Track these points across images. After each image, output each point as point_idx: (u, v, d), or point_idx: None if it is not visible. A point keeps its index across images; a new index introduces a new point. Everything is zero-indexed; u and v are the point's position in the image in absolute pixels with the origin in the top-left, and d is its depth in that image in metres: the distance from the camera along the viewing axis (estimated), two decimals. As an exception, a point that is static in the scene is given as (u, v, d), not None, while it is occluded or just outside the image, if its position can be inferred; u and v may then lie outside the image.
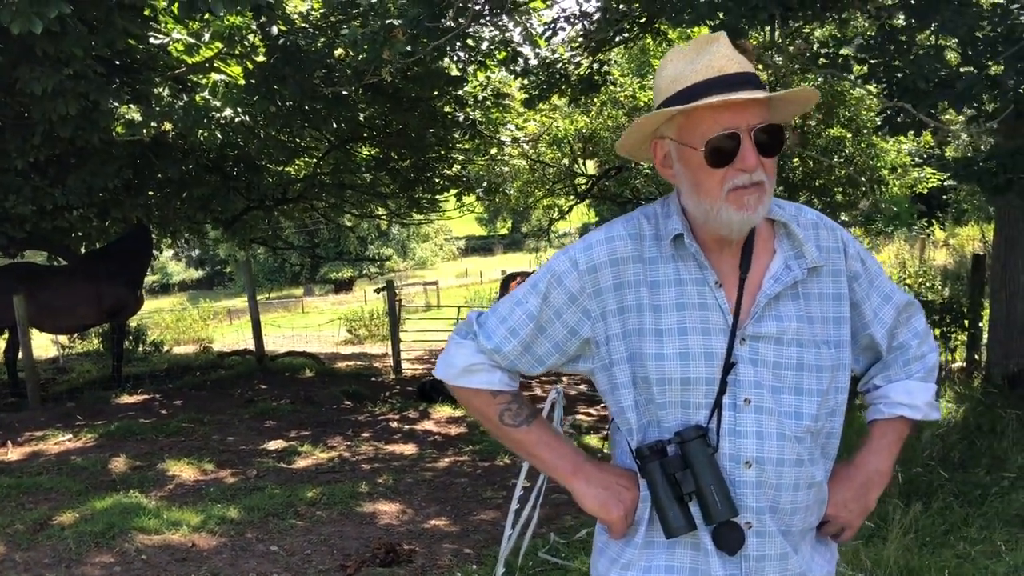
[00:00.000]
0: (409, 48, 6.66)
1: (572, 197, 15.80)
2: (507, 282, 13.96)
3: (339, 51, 7.88)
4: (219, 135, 9.20)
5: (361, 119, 10.69)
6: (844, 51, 5.81)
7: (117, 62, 8.74)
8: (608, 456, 1.88)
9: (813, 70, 6.09)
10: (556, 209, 17.40)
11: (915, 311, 1.84)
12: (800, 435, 1.65)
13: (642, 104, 12.85)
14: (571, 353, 1.74)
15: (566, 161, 14.81)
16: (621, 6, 7.09)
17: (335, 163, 12.35)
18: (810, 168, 13.06)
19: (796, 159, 12.85)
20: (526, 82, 9.56)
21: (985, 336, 8.25)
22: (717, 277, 1.66)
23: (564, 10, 8.88)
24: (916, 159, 14.52)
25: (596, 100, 12.86)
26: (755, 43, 5.96)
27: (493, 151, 12.52)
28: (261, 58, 8.46)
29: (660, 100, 1.65)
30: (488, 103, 10.94)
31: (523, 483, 3.67)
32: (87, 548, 4.94)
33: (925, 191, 15.93)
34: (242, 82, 8.59)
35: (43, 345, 16.16)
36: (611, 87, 12.25)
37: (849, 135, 12.90)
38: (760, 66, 5.84)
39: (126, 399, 9.86)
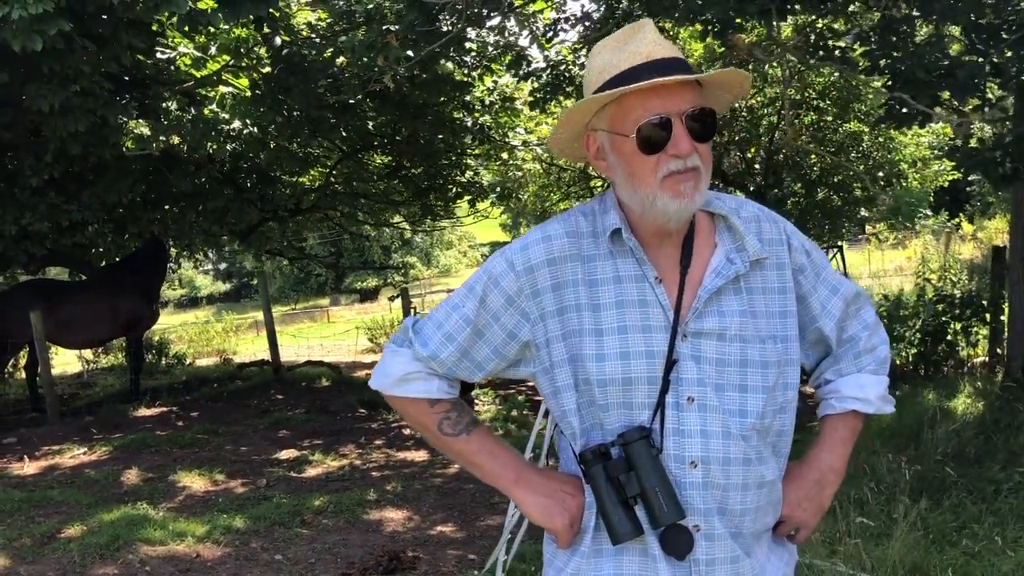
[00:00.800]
0: (410, 53, 6.66)
1: (589, 200, 15.74)
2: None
3: (341, 59, 7.91)
4: (228, 147, 9.26)
5: (370, 127, 10.73)
6: (841, 43, 5.71)
7: (126, 78, 8.84)
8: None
9: (812, 62, 6.01)
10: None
11: (864, 303, 1.78)
12: (746, 433, 1.60)
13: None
14: (511, 357, 1.69)
15: (580, 164, 14.76)
16: (623, 4, 7.05)
17: (348, 172, 12.40)
18: (827, 164, 12.92)
19: (813, 156, 12.73)
20: (536, 85, 9.53)
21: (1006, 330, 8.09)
22: (657, 273, 1.61)
23: (564, 11, 8.77)
24: (936, 152, 14.33)
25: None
26: (751, 40, 5.91)
27: (504, 156, 12.50)
28: (267, 69, 8.51)
29: (590, 92, 1.61)
30: (496, 107, 10.93)
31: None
32: (92, 560, 4.96)
33: (945, 184, 15.69)
34: (249, 94, 8.64)
35: (69, 361, 16.38)
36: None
37: (866, 130, 12.74)
38: (754, 60, 5.78)
39: (144, 412, 9.94)
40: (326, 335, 20.93)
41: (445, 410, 1.72)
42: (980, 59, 5.14)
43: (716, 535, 1.59)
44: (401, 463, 7.35)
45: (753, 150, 13.39)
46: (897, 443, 6.00)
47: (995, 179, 5.17)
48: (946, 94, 5.34)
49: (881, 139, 12.97)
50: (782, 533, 1.74)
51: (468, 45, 8.77)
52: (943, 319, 8.65)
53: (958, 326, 8.71)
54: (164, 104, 8.60)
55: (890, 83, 5.42)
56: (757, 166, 13.58)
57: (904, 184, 13.51)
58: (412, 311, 12.54)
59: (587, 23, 7.59)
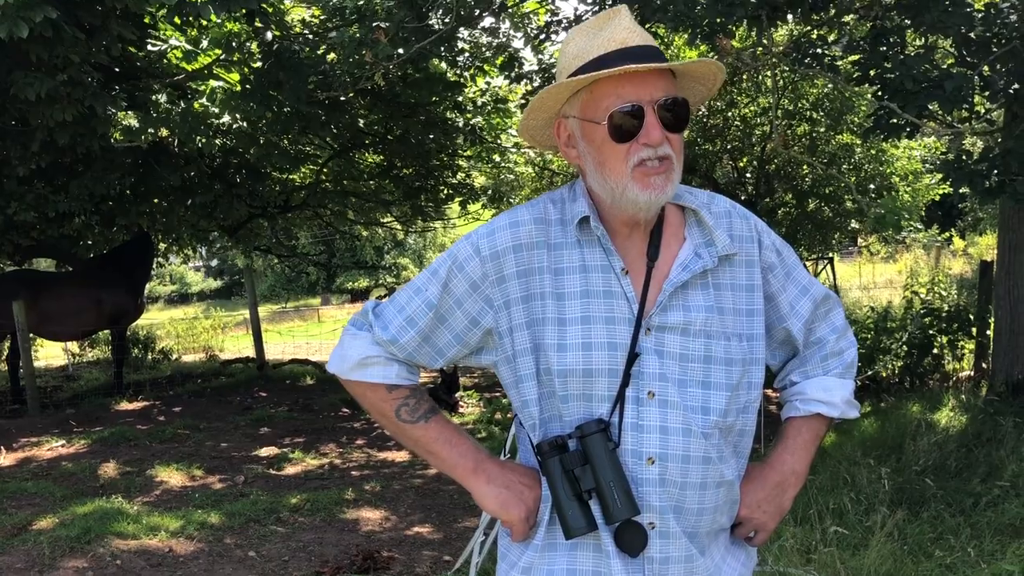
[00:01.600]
0: (400, 51, 6.63)
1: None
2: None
3: (332, 56, 7.88)
4: (218, 142, 9.21)
5: (361, 125, 10.69)
6: (831, 52, 5.71)
7: (116, 69, 8.79)
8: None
9: (800, 70, 6.01)
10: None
11: (834, 305, 1.76)
12: (708, 431, 1.57)
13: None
14: (473, 344, 1.66)
15: (572, 168, 14.73)
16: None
17: (338, 170, 12.35)
18: (819, 175, 12.92)
19: (804, 166, 12.73)
20: (529, 88, 9.51)
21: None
22: (623, 264, 1.59)
23: (556, 14, 8.72)
24: (928, 166, 14.34)
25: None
26: (740, 46, 5.90)
27: (496, 157, 12.47)
28: (258, 64, 8.47)
29: (563, 77, 1.59)
30: (489, 109, 10.91)
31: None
32: (62, 553, 4.90)
33: (937, 198, 15.72)
34: (240, 89, 8.60)
35: (55, 354, 16.30)
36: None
37: (858, 142, 12.75)
38: (742, 65, 5.77)
39: (125, 406, 9.87)
40: (314, 334, 20.85)
41: (403, 396, 1.68)
42: (969, 71, 5.14)
43: (671, 533, 1.57)
44: (381, 463, 7.31)
45: (745, 160, 13.39)
46: (879, 454, 5.99)
47: (981, 192, 5.16)
48: (934, 105, 5.34)
49: (873, 151, 12.97)
50: (741, 535, 1.71)
51: (461, 45, 8.74)
52: (930, 332, 8.65)
53: (945, 340, 8.71)
54: (154, 96, 8.54)
55: (879, 93, 5.41)
56: (749, 175, 13.58)
57: (895, 194, 13.52)
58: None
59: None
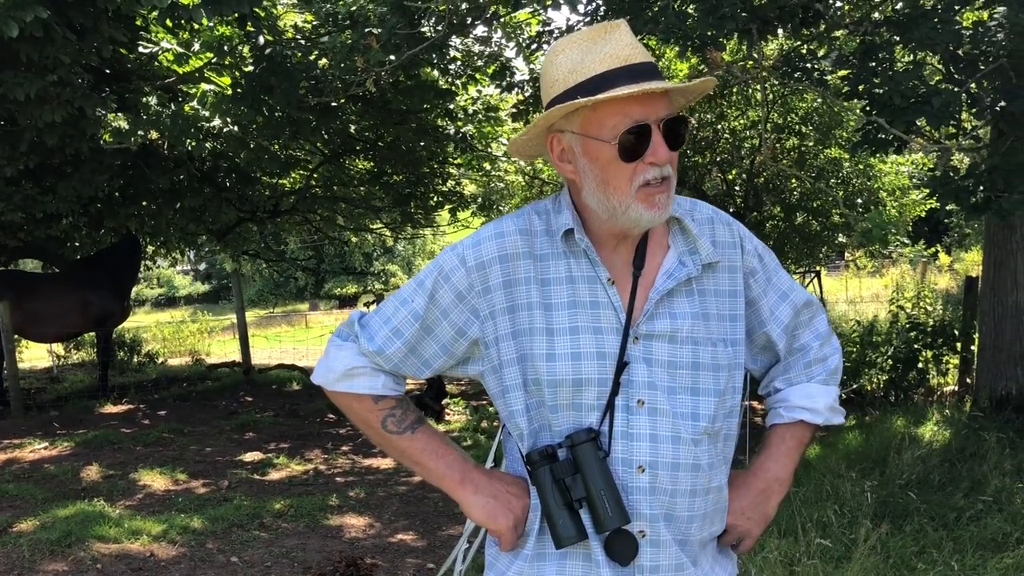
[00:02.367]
0: (392, 58, 6.64)
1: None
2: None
3: (323, 61, 7.88)
4: (208, 145, 9.19)
5: (352, 131, 10.69)
6: (821, 66, 5.75)
7: (107, 70, 8.77)
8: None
9: (788, 83, 6.04)
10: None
11: (816, 311, 1.77)
12: (697, 437, 1.58)
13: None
14: (459, 355, 1.65)
15: (562, 178, 14.74)
16: (608, 18, 7.05)
17: (328, 176, 12.34)
18: (807, 189, 12.98)
19: (793, 180, 12.79)
20: (520, 97, 9.53)
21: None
22: (609, 274, 1.60)
23: (548, 24, 8.74)
24: (915, 181, 14.43)
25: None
26: (729, 57, 5.93)
27: (487, 166, 12.48)
28: (249, 68, 8.47)
29: (558, 91, 1.56)
30: (479, 117, 10.92)
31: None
32: (41, 556, 4.87)
33: (923, 214, 15.82)
34: (230, 92, 8.59)
35: (40, 355, 16.18)
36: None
37: (847, 156, 12.82)
38: (732, 77, 5.80)
39: (110, 408, 9.82)
40: (301, 339, 20.79)
41: (390, 407, 1.68)
42: (956, 88, 5.18)
43: (662, 541, 1.57)
44: (366, 470, 7.29)
45: (734, 172, 13.45)
46: (863, 467, 6.01)
47: (967, 208, 5.20)
48: (922, 121, 5.38)
49: (861, 166, 13.05)
50: (726, 542, 1.72)
51: (453, 53, 8.76)
52: (915, 347, 8.69)
53: (929, 354, 8.75)
54: (144, 99, 8.51)
55: (868, 108, 5.45)
56: (738, 188, 13.64)
57: (882, 209, 13.60)
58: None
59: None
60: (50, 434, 8.42)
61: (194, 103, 8.79)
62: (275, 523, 5.67)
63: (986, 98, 5.08)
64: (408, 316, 1.63)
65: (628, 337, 1.56)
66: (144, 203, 10.97)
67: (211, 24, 8.36)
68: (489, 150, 11.85)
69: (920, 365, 8.70)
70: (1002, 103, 5.00)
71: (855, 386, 8.48)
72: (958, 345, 8.66)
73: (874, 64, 5.55)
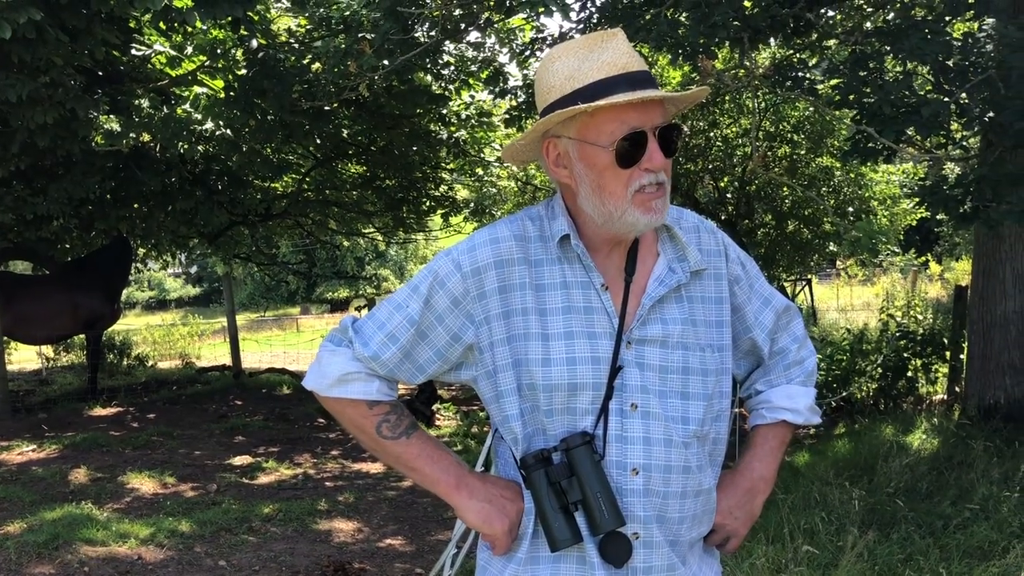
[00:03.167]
0: (386, 62, 6.65)
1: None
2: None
3: (316, 65, 7.89)
4: (200, 148, 9.18)
5: (345, 135, 10.69)
6: (811, 75, 5.79)
7: (99, 72, 8.75)
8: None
9: (779, 92, 6.08)
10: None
11: (794, 315, 1.82)
12: (687, 440, 1.61)
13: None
14: (453, 360, 1.66)
15: (554, 184, 14.76)
16: (601, 25, 7.08)
17: (321, 180, 12.34)
18: (799, 197, 13.04)
19: (785, 188, 12.84)
20: (515, 103, 9.54)
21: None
22: (603, 280, 1.62)
23: (541, 31, 8.76)
24: (906, 190, 14.49)
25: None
26: (721, 66, 5.96)
27: (479, 171, 12.50)
28: (243, 72, 8.47)
29: (555, 97, 1.58)
30: (472, 122, 10.94)
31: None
32: (28, 559, 4.85)
33: (914, 223, 15.90)
34: (223, 96, 8.59)
35: (29, 357, 16.11)
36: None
37: (839, 165, 12.88)
38: (723, 86, 5.83)
39: (99, 411, 9.78)
40: (292, 343, 20.74)
41: (384, 412, 1.68)
42: (945, 98, 5.22)
43: (655, 543, 1.59)
44: (355, 474, 7.28)
45: (726, 180, 13.49)
46: (851, 474, 6.04)
47: (956, 217, 5.23)
48: (911, 130, 5.41)
49: (852, 175, 13.11)
50: (714, 542, 1.75)
51: (446, 58, 8.77)
52: (905, 355, 8.72)
53: (919, 363, 8.79)
54: (136, 101, 8.50)
55: (858, 117, 5.49)
56: (729, 195, 13.68)
57: (873, 218, 13.66)
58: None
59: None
60: (38, 436, 8.39)
61: (186, 106, 8.79)
62: (263, 527, 5.66)
63: (975, 108, 5.11)
64: (403, 321, 1.64)
65: (621, 342, 1.59)
66: (135, 205, 10.93)
67: (204, 27, 8.36)
68: (482, 155, 11.87)
69: (909, 373, 8.74)
70: (990, 114, 5.04)
71: (844, 394, 8.51)
72: (947, 354, 8.70)
73: (864, 74, 5.58)
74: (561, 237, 1.62)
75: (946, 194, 5.25)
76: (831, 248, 14.28)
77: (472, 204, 13.50)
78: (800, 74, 5.60)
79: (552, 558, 1.61)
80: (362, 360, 1.65)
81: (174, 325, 22.86)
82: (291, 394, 11.35)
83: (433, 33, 6.54)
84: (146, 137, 8.47)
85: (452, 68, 9.32)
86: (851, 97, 5.62)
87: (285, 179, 12.47)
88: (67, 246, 12.24)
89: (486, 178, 12.88)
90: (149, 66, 9.26)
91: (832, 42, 6.58)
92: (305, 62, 8.41)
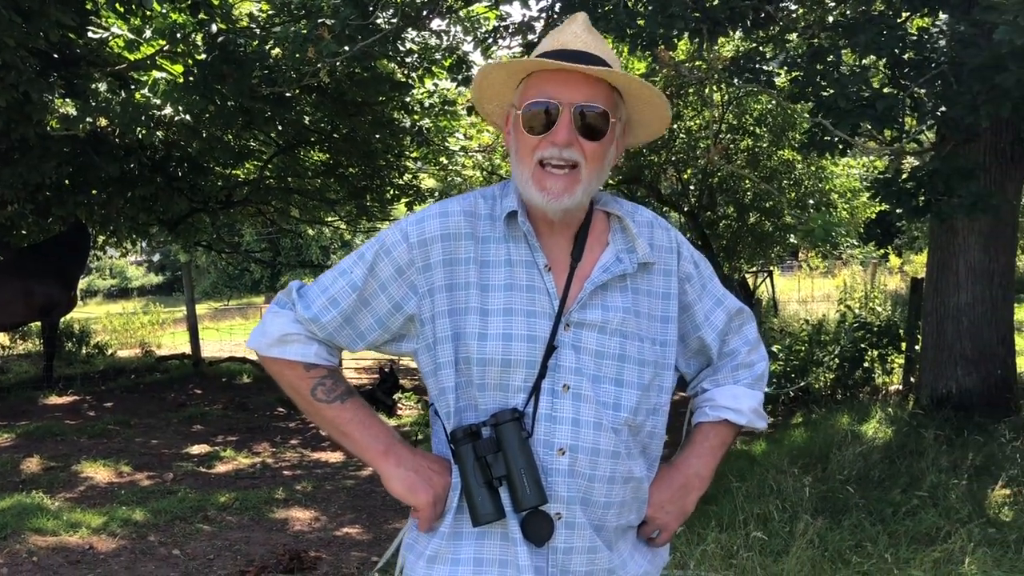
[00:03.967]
0: (346, 48, 6.59)
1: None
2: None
3: (276, 51, 7.80)
4: (159, 134, 9.05)
5: (306, 122, 10.60)
6: (769, 67, 5.84)
7: (54, 55, 8.58)
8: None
9: (737, 83, 6.12)
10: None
11: (747, 319, 1.84)
12: (618, 427, 1.63)
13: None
14: (394, 330, 1.68)
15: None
16: (561, 16, 7.07)
17: (282, 167, 12.22)
18: (760, 189, 13.16)
19: (746, 180, 12.95)
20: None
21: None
22: (547, 261, 1.64)
23: (504, 19, 8.76)
24: (865, 183, 14.67)
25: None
26: (683, 57, 5.98)
27: (443, 160, 12.46)
28: (202, 56, 8.35)
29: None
30: (436, 110, 10.89)
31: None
32: (-24, 548, 4.77)
33: (874, 216, 16.10)
34: (183, 80, 8.46)
35: (-17, 345, 15.81)
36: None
37: (799, 158, 13.01)
38: (681, 76, 5.86)
39: (54, 400, 9.64)
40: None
41: (320, 375, 1.69)
42: (899, 92, 5.29)
43: (577, 524, 1.61)
44: (314, 463, 7.24)
45: (689, 172, 13.57)
46: (806, 463, 6.12)
47: (908, 211, 5.31)
48: (866, 124, 5.48)
49: (813, 168, 13.25)
50: (645, 534, 1.76)
51: (409, 46, 8.71)
52: (862, 346, 8.85)
53: (875, 354, 8.93)
54: (93, 85, 8.35)
55: (814, 110, 5.54)
56: (692, 187, 13.76)
57: (831, 210, 13.82)
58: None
59: (530, 34, 7.60)
60: (-9, 425, 8.24)
61: (145, 91, 8.65)
62: (219, 516, 5.62)
63: (928, 103, 5.19)
64: (346, 286, 1.66)
65: (560, 323, 1.61)
66: (93, 191, 10.75)
67: (163, 10, 8.24)
68: (446, 144, 11.83)
69: (866, 364, 8.87)
70: (943, 108, 5.12)
71: (802, 384, 8.62)
72: (903, 345, 8.85)
73: (821, 67, 5.63)
74: (508, 214, 1.64)
75: (900, 187, 5.32)
76: (792, 240, 14.44)
77: (437, 193, 13.44)
78: (759, 66, 5.65)
79: (475, 534, 1.62)
80: (303, 322, 1.67)
81: (135, 313, 22.54)
82: (251, 383, 11.25)
83: (394, 20, 6.49)
84: (103, 122, 8.33)
85: (415, 56, 9.27)
86: (808, 90, 5.68)
87: (247, 166, 12.33)
88: (23, 232, 12.01)
89: (451, 167, 12.84)
90: (107, 49, 9.08)
91: (794, 35, 6.63)
92: (266, 47, 8.31)
